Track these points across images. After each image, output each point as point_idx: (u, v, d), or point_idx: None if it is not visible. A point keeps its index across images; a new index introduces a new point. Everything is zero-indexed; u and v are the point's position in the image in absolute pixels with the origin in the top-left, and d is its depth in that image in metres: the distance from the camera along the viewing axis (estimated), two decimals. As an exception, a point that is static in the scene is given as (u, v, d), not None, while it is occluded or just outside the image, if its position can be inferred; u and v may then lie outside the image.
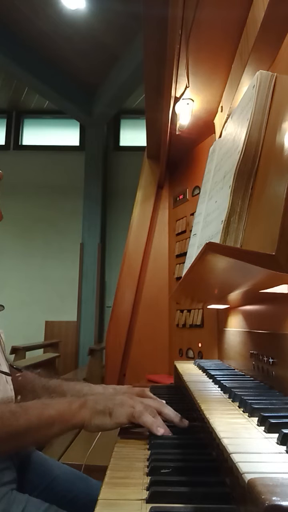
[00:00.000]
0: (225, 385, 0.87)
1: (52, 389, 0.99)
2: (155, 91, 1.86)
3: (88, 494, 0.92)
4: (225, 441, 0.52)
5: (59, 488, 0.92)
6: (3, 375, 0.87)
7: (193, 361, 1.46)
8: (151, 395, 0.93)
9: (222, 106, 1.75)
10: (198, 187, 2.15)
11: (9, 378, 0.90)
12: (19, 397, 0.91)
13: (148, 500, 0.51)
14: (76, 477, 0.98)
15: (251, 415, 0.65)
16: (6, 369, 0.91)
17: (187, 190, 2.34)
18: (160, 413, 0.75)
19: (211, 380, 1.03)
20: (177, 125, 1.80)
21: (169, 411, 0.77)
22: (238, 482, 0.42)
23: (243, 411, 0.68)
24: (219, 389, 0.90)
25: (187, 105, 1.72)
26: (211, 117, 1.90)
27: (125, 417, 0.71)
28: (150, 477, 0.57)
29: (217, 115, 1.84)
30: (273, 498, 0.34)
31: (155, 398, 0.87)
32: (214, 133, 1.88)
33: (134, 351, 2.43)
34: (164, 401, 0.83)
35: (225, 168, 1.14)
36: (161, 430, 0.71)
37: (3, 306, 0.99)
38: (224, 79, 1.63)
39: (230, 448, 0.49)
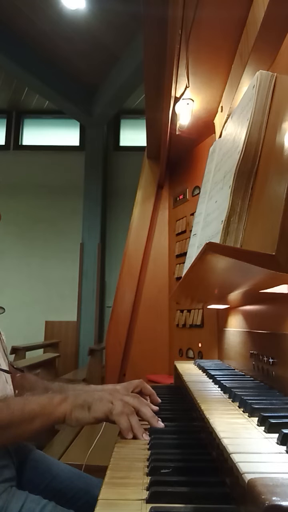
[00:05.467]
0: (225, 385, 0.87)
1: (54, 390, 0.99)
2: (155, 91, 1.86)
3: (88, 491, 0.92)
4: (225, 441, 0.52)
5: (59, 486, 0.93)
6: (3, 374, 0.87)
7: (193, 361, 1.46)
8: (148, 387, 0.94)
9: (222, 106, 1.75)
10: (198, 187, 2.15)
11: (8, 376, 0.90)
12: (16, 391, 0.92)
13: (148, 500, 0.51)
14: (75, 475, 0.98)
15: (251, 415, 0.65)
16: (6, 368, 0.91)
17: (187, 190, 2.34)
18: (137, 412, 0.76)
19: (211, 380, 1.03)
20: (177, 125, 1.80)
21: (147, 411, 0.77)
22: (238, 482, 0.42)
23: (243, 411, 0.68)
24: (219, 389, 0.90)
25: (187, 105, 1.72)
26: (211, 117, 1.90)
27: (102, 413, 0.72)
28: (150, 477, 0.57)
29: (217, 115, 1.84)
30: (273, 498, 0.34)
31: (140, 395, 0.88)
32: (214, 133, 1.88)
33: (134, 351, 2.43)
34: (145, 400, 0.82)
35: (225, 168, 1.14)
36: (130, 435, 0.72)
37: (3, 309, 1.00)
38: (224, 79, 1.63)
39: (230, 448, 0.49)
